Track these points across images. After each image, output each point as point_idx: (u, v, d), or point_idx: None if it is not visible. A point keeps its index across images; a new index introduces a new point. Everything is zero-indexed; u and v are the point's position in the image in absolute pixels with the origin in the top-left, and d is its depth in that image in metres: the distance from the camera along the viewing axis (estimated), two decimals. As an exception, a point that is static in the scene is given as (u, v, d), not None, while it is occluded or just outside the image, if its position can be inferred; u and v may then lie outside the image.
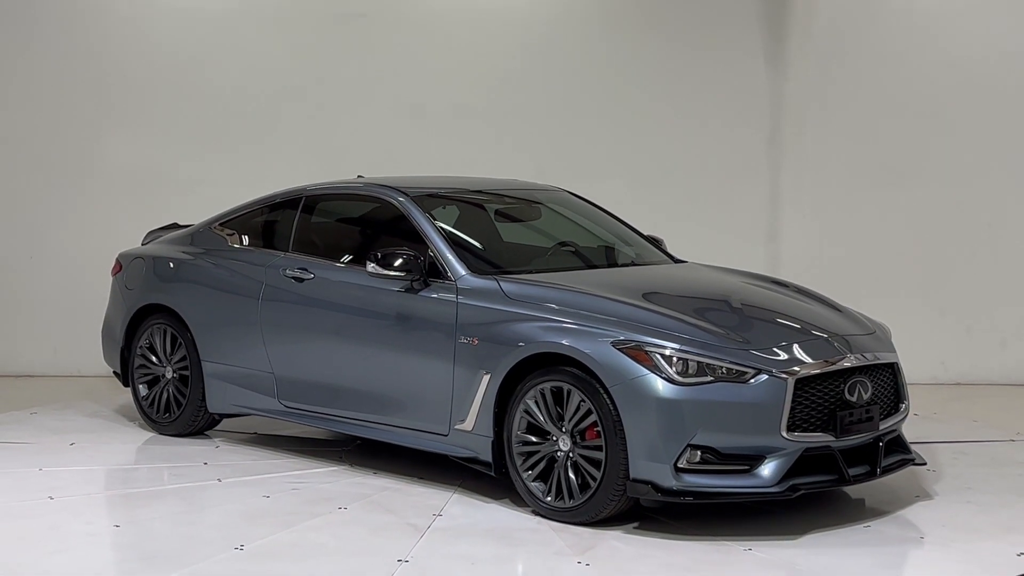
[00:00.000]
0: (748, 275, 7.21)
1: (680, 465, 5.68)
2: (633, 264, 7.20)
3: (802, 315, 6.40)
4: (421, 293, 6.53)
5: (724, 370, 5.74)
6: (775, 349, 5.90)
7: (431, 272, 6.55)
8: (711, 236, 9.82)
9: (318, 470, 6.90)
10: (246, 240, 7.54)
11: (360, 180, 7.46)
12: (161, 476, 6.80)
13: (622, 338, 5.84)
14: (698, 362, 5.74)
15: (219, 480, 6.67)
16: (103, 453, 7.29)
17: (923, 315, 9.90)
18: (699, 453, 5.70)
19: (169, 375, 7.65)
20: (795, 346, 5.98)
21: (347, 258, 7.01)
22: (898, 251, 10.00)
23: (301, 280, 7.07)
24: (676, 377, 5.71)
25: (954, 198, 9.95)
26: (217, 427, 7.73)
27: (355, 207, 7.43)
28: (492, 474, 6.24)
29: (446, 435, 6.41)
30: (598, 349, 5.86)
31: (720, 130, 10.07)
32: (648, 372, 5.73)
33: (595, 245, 7.39)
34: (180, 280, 7.64)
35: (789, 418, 5.73)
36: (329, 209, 7.49)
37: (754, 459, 5.74)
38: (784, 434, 5.71)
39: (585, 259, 7.23)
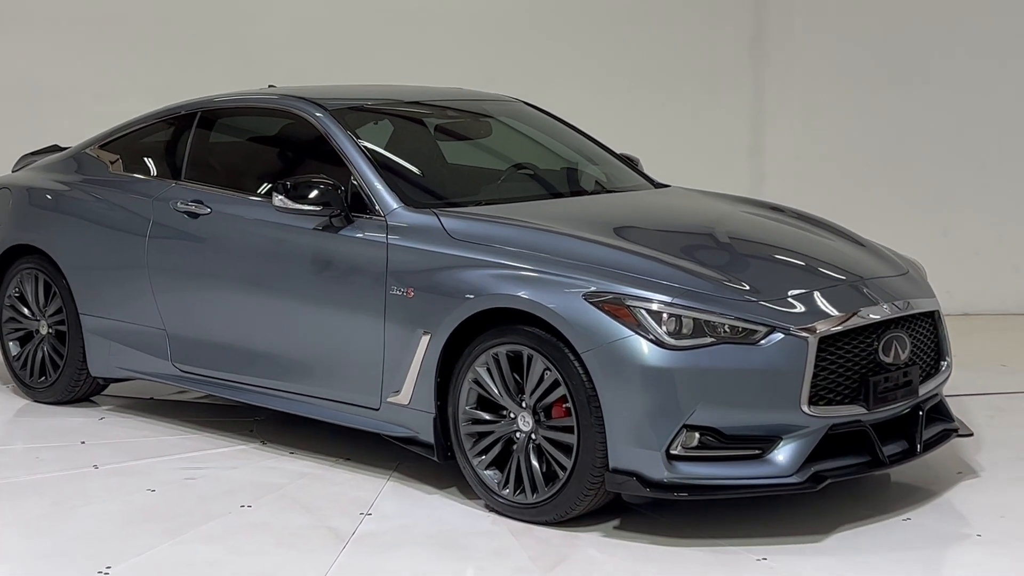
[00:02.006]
0: (748, 202, 5.92)
1: (673, 451, 4.45)
2: (605, 191, 5.90)
3: (821, 254, 5.14)
4: (342, 232, 5.21)
5: (728, 328, 4.48)
6: (790, 299, 4.65)
7: (355, 205, 5.23)
8: (685, 151, 8.76)
9: (222, 449, 5.61)
10: (131, 166, 6.16)
11: (271, 91, 6.07)
12: (26, 461, 5.48)
13: (596, 289, 4.57)
14: (695, 319, 4.48)
15: (96, 467, 5.36)
16: (-40, 431, 5.98)
17: (926, 237, 8.77)
18: (697, 436, 4.47)
19: (43, 331, 6.31)
20: (815, 294, 4.73)
21: (253, 188, 5.65)
22: (898, 166, 8.94)
23: (195, 215, 5.71)
24: (667, 339, 4.45)
25: (962, 106, 8.90)
26: (106, 391, 6.41)
27: (263, 124, 6.05)
28: (435, 459, 4.98)
29: (377, 409, 5.13)
30: (566, 303, 4.58)
31: (697, 29, 8.93)
32: (631, 333, 4.46)
33: (558, 168, 6.08)
34: (53, 215, 6.26)
35: (811, 387, 4.49)
36: (231, 126, 6.11)
37: (767, 441, 4.51)
38: (805, 408, 4.48)
39: (547, 186, 5.93)
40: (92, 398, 6.38)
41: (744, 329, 4.49)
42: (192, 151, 5.93)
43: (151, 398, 6.45)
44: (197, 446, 5.65)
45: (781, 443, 4.51)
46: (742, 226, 5.43)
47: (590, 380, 4.51)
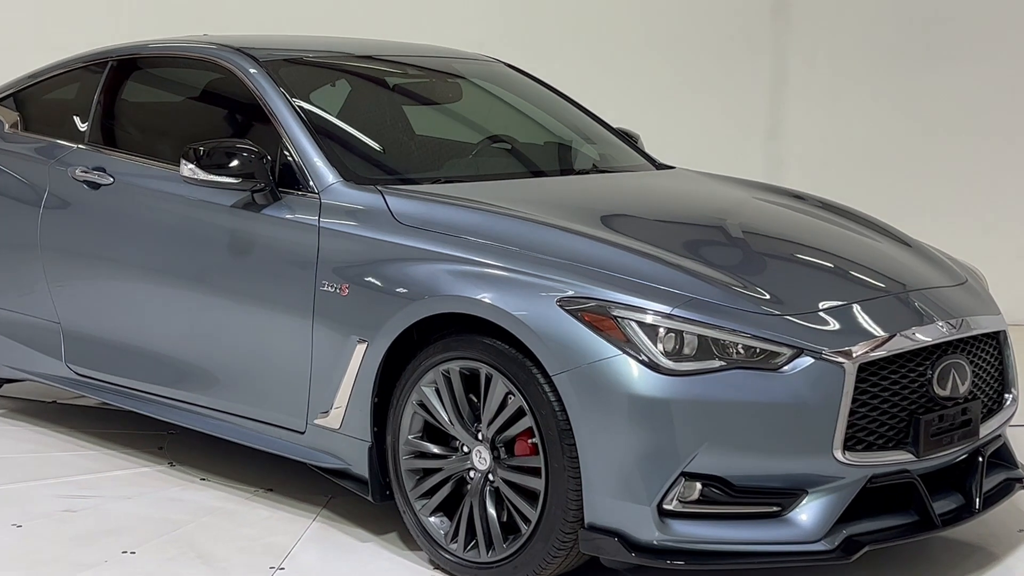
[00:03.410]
0: (765, 189, 4.90)
1: (667, 506, 3.45)
2: (597, 170, 4.87)
3: (859, 256, 4.13)
4: (266, 211, 4.20)
5: (742, 349, 3.48)
6: (822, 314, 3.64)
7: (285, 180, 4.22)
8: (692, 130, 7.77)
9: (119, 472, 4.61)
10: (32, 124, 5.15)
11: (197, 38, 5.05)
12: None
13: (574, 293, 3.56)
14: (700, 336, 3.47)
15: (-43, 492, 4.38)
16: None
17: (964, 235, 7.71)
18: (699, 487, 3.47)
19: (-74, 319, 5.30)
20: (854, 308, 3.71)
21: (166, 155, 4.64)
22: (934, 155, 7.94)
23: (96, 186, 4.70)
24: (663, 360, 3.44)
25: (1009, 89, 7.83)
26: (0, 392, 5.41)
27: (184, 77, 5.03)
28: (370, 499, 3.98)
29: (302, 432, 4.13)
30: (535, 310, 3.57)
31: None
32: (617, 351, 3.45)
33: (541, 142, 5.06)
34: (-63, 182, 5.25)
35: (847, 428, 3.49)
36: (147, 79, 5.09)
37: (788, 496, 3.51)
38: (838, 454, 3.48)
39: (526, 163, 4.90)
40: (-16, 399, 5.40)
41: (763, 351, 3.48)
42: (99, 108, 4.92)
43: (54, 401, 5.45)
44: (90, 467, 4.65)
45: (806, 499, 3.51)
46: (760, 218, 4.42)
47: (563, 410, 3.51)
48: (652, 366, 3.44)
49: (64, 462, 4.69)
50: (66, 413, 5.30)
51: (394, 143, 4.79)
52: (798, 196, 4.84)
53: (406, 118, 4.98)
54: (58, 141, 4.95)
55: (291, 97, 4.41)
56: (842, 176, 7.77)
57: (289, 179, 4.22)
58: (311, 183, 4.17)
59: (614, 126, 5.29)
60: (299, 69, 4.69)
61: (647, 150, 5.26)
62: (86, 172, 4.72)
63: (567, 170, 4.87)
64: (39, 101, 5.22)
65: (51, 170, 4.85)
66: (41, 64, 5.35)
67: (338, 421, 4.00)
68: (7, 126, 5.17)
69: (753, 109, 7.97)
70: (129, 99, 5.01)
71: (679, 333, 3.48)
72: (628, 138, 5.26)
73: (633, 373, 3.44)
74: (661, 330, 3.47)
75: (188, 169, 4.18)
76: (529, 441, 3.63)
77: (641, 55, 7.84)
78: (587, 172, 4.84)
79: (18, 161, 5.00)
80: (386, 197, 4.07)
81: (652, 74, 7.84)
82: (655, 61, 7.85)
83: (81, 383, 4.79)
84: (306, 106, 4.43)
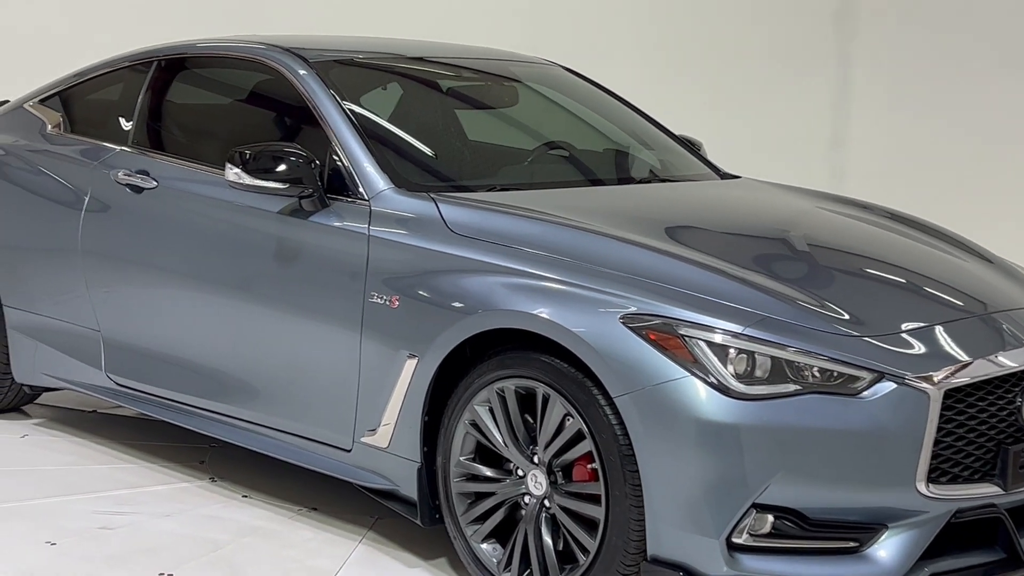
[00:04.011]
0: (836, 200, 4.67)
1: (737, 539, 3.22)
2: (658, 179, 4.65)
3: (940, 273, 3.89)
4: (314, 218, 4.02)
5: (819, 372, 3.25)
6: (905, 336, 3.40)
7: (334, 185, 4.03)
8: (753, 139, 7.52)
9: (158, 487, 4.44)
10: (75, 125, 5.00)
11: (246, 38, 4.87)
12: (-90, 492, 4.34)
13: (638, 309, 3.35)
14: (773, 357, 3.25)
15: (-5, 504, 4.22)
16: None
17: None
18: (771, 519, 3.24)
19: (-36, 324, 5.16)
20: (938, 330, 3.47)
21: (211, 158, 4.47)
22: (1006, 166, 7.63)
23: (139, 190, 4.54)
24: (734, 383, 3.22)
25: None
26: (42, 399, 5.26)
27: (232, 78, 4.86)
28: (419, 522, 3.78)
29: (348, 450, 3.94)
30: (597, 327, 3.36)
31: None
32: (684, 373, 3.24)
33: (600, 149, 4.85)
34: (-23, 184, 5.11)
35: (931, 458, 3.25)
36: (193, 80, 4.92)
37: (866, 531, 3.27)
38: (921, 487, 3.24)
39: (584, 170, 4.69)
40: (23, 407, 5.23)
41: (841, 374, 3.25)
42: (143, 109, 4.75)
43: (94, 411, 5.29)
44: (129, 480, 4.48)
45: (886, 534, 3.27)
46: (833, 232, 4.18)
47: (626, 434, 3.29)
48: (722, 389, 3.22)
49: (102, 475, 4.52)
50: (106, 423, 5.14)
51: (447, 149, 4.59)
52: (867, 207, 4.60)
53: (459, 123, 4.79)
54: (101, 143, 4.79)
55: (341, 100, 4.23)
56: (907, 186, 7.53)
57: (338, 185, 4.04)
58: (361, 189, 3.99)
59: (676, 133, 5.07)
60: (349, 71, 4.51)
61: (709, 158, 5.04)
62: (129, 175, 4.56)
63: (627, 179, 4.65)
64: (82, 101, 5.07)
65: (94, 173, 4.69)
66: (84, 64, 5.22)
67: (386, 440, 3.81)
68: (49, 126, 5.03)
69: (816, 117, 7.75)
70: (174, 100, 4.85)
71: (751, 354, 3.26)
72: (691, 146, 5.04)
73: (701, 396, 3.22)
74: (732, 351, 3.25)
75: (233, 173, 4.00)
76: (589, 466, 3.41)
77: (700, 62, 7.65)
78: (648, 181, 4.62)
79: (60, 163, 4.85)
80: (439, 205, 3.87)
81: (712, 81, 7.65)
82: (715, 68, 7.65)
83: (121, 393, 4.62)
84: (356, 109, 4.24)
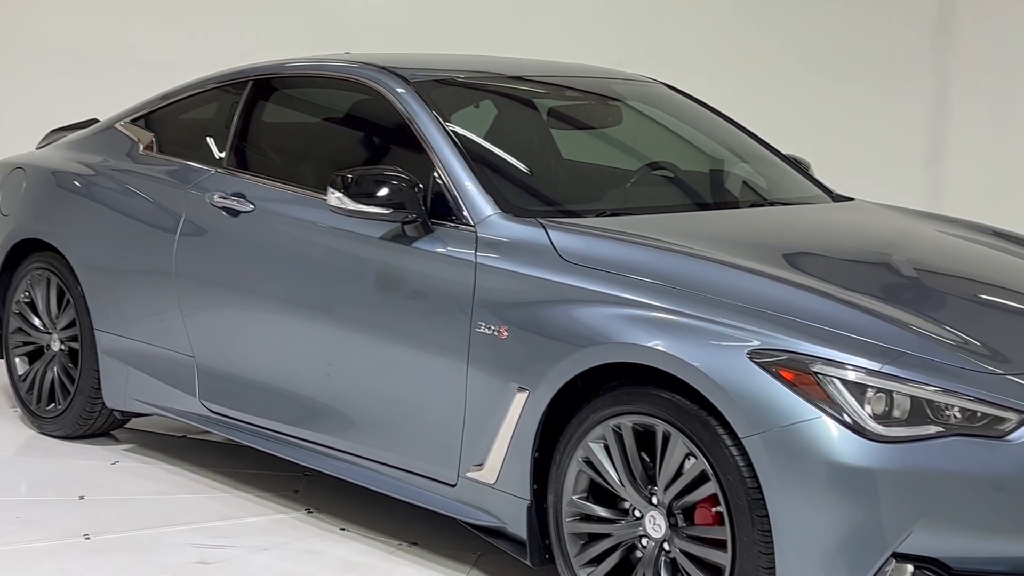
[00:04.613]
0: (959, 224, 4.46)
1: (875, 590, 3.04)
2: (767, 202, 4.47)
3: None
4: (418, 244, 3.88)
5: (960, 412, 3.06)
6: (1052, 373, 3.20)
7: (437, 210, 3.90)
8: (844, 155, 7.29)
9: (254, 519, 4.32)
10: (168, 146, 4.91)
11: (342, 58, 4.76)
12: (2, 521, 4.24)
13: (765, 344, 3.17)
14: (913, 396, 3.06)
15: (87, 537, 4.11)
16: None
17: None
18: (911, 569, 3.06)
19: (55, 347, 5.09)
20: (1086, 367, 3.27)
21: (309, 181, 4.36)
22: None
23: (235, 213, 4.43)
24: (871, 424, 3.05)
25: None
26: (130, 423, 5.17)
27: (328, 99, 4.75)
28: (528, 563, 3.63)
29: (453, 485, 3.80)
30: (721, 362, 3.20)
31: (866, 11, 7.38)
32: (818, 413, 3.06)
33: (706, 170, 4.68)
34: (70, 205, 5.04)
35: (1083, 506, 3.06)
36: (288, 100, 4.82)
37: (1013, 582, 3.08)
38: (1073, 536, 3.04)
39: (690, 193, 4.53)
40: (112, 431, 5.15)
41: (986, 415, 3.06)
42: (238, 130, 4.65)
43: (183, 436, 5.19)
44: (224, 512, 4.36)
45: (1034, 586, 3.08)
46: (964, 260, 3.98)
47: (754, 477, 3.13)
48: (858, 431, 3.04)
49: (196, 506, 4.41)
50: (196, 449, 5.04)
51: (549, 171, 4.46)
52: (999, 233, 4.39)
53: (554, 143, 4.64)
54: (195, 164, 4.69)
55: (444, 121, 4.09)
56: (1008, 205, 7.27)
57: (441, 209, 3.90)
58: (466, 214, 3.85)
59: (783, 152, 4.89)
60: (451, 90, 4.38)
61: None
62: (225, 198, 4.46)
63: (736, 201, 4.47)
64: (174, 122, 4.98)
65: (187, 195, 4.60)
66: (169, 85, 5.14)
67: (494, 475, 3.66)
68: (141, 147, 4.94)
69: (910, 134, 7.53)
70: (269, 121, 4.74)
71: (889, 393, 3.08)
72: (798, 165, 4.86)
73: (837, 438, 3.04)
74: (869, 390, 3.07)
75: (335, 198, 3.88)
76: (713, 509, 3.25)
77: (792, 76, 7.46)
78: (759, 204, 4.43)
79: (152, 184, 4.76)
80: (549, 231, 3.72)
81: (804, 95, 7.45)
82: (806, 82, 7.46)
83: (215, 421, 4.52)
84: (458, 130, 4.11)
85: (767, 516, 3.11)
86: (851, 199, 4.61)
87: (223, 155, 4.63)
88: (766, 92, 7.39)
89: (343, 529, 4.22)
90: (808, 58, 7.43)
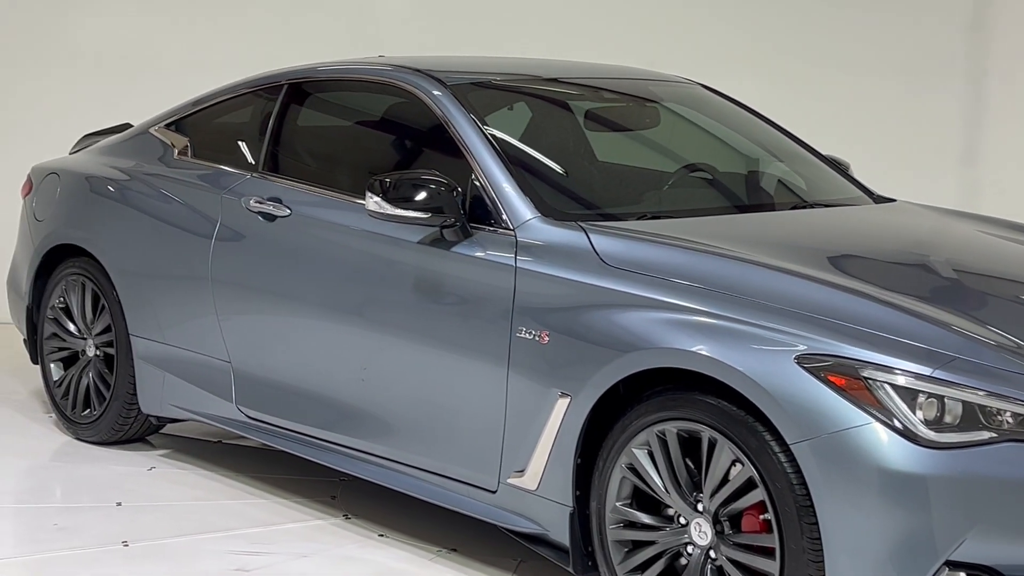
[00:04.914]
0: (1004, 226, 4.40)
1: (927, 599, 2.99)
2: (808, 204, 4.41)
3: None
4: (456, 248, 3.85)
5: (1011, 418, 3.00)
6: (1106, 377, 3.14)
7: (475, 214, 3.86)
8: (877, 155, 7.16)
9: (292, 525, 4.30)
10: (202, 151, 4.89)
11: (377, 61, 4.74)
12: (40, 530, 4.23)
13: (813, 348, 3.13)
14: (965, 402, 3.01)
15: (125, 544, 4.09)
16: (-25, 476, 4.77)
17: None
18: (964, 577, 3.01)
19: (90, 353, 5.08)
20: None
21: (346, 185, 4.33)
22: None
23: (272, 218, 4.41)
24: (923, 430, 3.00)
25: None
26: (165, 428, 5.16)
27: (363, 102, 4.72)
28: (571, 570, 3.59)
29: (494, 492, 3.76)
30: (769, 367, 3.15)
31: (901, 9, 7.29)
32: (868, 419, 3.02)
33: (745, 171, 4.63)
34: (104, 210, 5.03)
35: None
36: (324, 104, 4.79)
37: (1069, 591, 3.03)
38: None
39: (729, 195, 4.48)
40: (148, 437, 5.14)
41: (1039, 420, 3.01)
42: (274, 134, 4.63)
43: (219, 441, 5.18)
44: (260, 518, 4.34)
45: (1091, 595, 3.03)
46: (1011, 262, 3.92)
47: (803, 484, 3.08)
48: (909, 437, 3.00)
49: (233, 512, 4.39)
50: (232, 453, 5.03)
51: (586, 174, 4.42)
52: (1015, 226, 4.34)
53: (589, 145, 4.60)
54: (230, 169, 4.67)
55: (481, 124, 4.06)
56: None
57: (480, 213, 3.87)
58: (505, 218, 3.81)
59: (823, 153, 4.83)
60: (488, 93, 4.35)
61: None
62: (261, 203, 4.43)
63: (776, 203, 4.42)
64: (208, 126, 4.96)
65: (223, 199, 4.58)
66: (202, 90, 5.12)
67: (535, 482, 3.63)
68: (176, 152, 4.93)
69: (945, 133, 7.43)
70: (305, 125, 4.72)
71: (940, 399, 3.03)
72: (838, 166, 4.80)
73: (888, 444, 3.00)
74: (920, 395, 3.03)
75: (374, 202, 3.85)
76: (760, 517, 3.20)
77: (822, 74, 7.36)
78: (800, 206, 4.38)
79: (187, 189, 4.74)
80: (590, 235, 3.68)
81: (835, 94, 7.35)
82: (838, 81, 7.35)
83: (252, 427, 4.50)
84: (496, 133, 4.07)
85: (816, 523, 3.06)
86: (892, 200, 4.56)
87: (258, 159, 4.61)
88: (797, 91, 7.30)
89: (381, 535, 4.20)
90: (838, 59, 7.34)
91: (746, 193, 4.50)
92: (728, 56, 7.28)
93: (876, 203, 4.52)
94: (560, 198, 4.02)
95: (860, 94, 7.35)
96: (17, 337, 5.54)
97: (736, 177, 4.58)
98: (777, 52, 7.38)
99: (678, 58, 7.10)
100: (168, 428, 5.15)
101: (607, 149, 4.66)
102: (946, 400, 3.03)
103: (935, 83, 7.33)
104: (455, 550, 4.08)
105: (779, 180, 4.60)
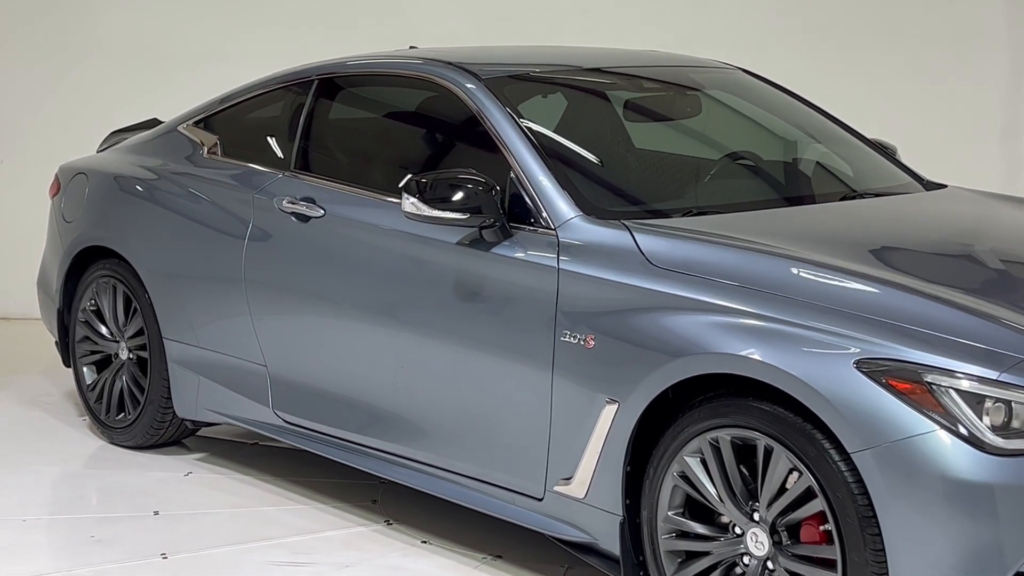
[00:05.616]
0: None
1: (997, 614, 2.88)
2: (858, 194, 4.26)
3: None
4: (496, 249, 3.73)
5: (1083, 423, 2.89)
6: None
7: (515, 213, 3.75)
8: (917, 131, 6.95)
9: (333, 532, 4.21)
10: (232, 149, 4.79)
11: (408, 53, 4.62)
12: (75, 541, 4.16)
13: (872, 352, 3.01)
14: (1034, 408, 2.89)
15: (164, 556, 4.01)
16: (6, 483, 4.68)
17: None
18: (1035, 590, 2.89)
19: (123, 356, 5.00)
20: None
21: (381, 184, 4.22)
22: None
23: (305, 218, 4.30)
24: (989, 437, 2.88)
25: None
26: (200, 431, 5.08)
27: (396, 97, 4.60)
28: (620, 580, 3.50)
29: (540, 499, 3.66)
30: (827, 372, 3.03)
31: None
32: (932, 426, 2.90)
33: (791, 160, 4.49)
34: (134, 211, 4.94)
35: None
36: (356, 100, 4.68)
37: None
38: None
39: (776, 185, 4.34)
40: (183, 440, 5.06)
41: (1114, 426, 2.88)
42: (305, 132, 4.52)
43: (255, 444, 5.09)
44: (301, 525, 4.26)
45: None
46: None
47: (865, 494, 2.97)
48: (976, 443, 2.88)
49: (273, 519, 4.31)
50: (268, 456, 4.94)
51: (627, 168, 4.29)
52: None
53: (628, 136, 4.47)
54: (261, 167, 4.57)
55: (519, 119, 3.94)
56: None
57: (519, 212, 3.75)
58: (545, 217, 3.70)
59: (869, 137, 4.68)
60: (524, 86, 4.23)
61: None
62: (294, 203, 4.33)
63: (824, 194, 4.25)
64: (237, 124, 4.86)
65: (255, 199, 4.47)
66: (230, 85, 5.02)
67: (583, 490, 3.52)
68: (205, 150, 4.82)
69: (985, 106, 7.25)
70: (337, 121, 4.61)
71: (1008, 404, 2.91)
72: (885, 151, 4.65)
73: (953, 452, 2.88)
74: (987, 400, 2.90)
75: (410, 203, 3.73)
76: (820, 527, 3.09)
77: (860, 48, 7.18)
78: (850, 196, 4.22)
79: (218, 189, 4.64)
80: (634, 234, 3.56)
81: (872, 69, 7.17)
82: (876, 54, 7.18)
83: (289, 431, 4.41)
84: (534, 126, 3.95)
85: (880, 535, 2.95)
86: (943, 186, 4.41)
87: (289, 157, 4.50)
88: (833, 66, 7.13)
89: (424, 542, 4.10)
90: (876, 32, 7.16)
91: (793, 182, 4.36)
92: (762, 34, 7.12)
93: (927, 190, 4.37)
94: (602, 194, 3.90)
95: (898, 69, 7.17)
96: (47, 335, 5.48)
97: (782, 166, 4.45)
98: (807, 25, 7.21)
99: (712, 37, 6.96)
100: (202, 430, 5.07)
101: (647, 140, 4.53)
102: (1013, 405, 2.90)
103: (976, 57, 7.16)
104: (500, 556, 3.99)
105: (826, 168, 4.45)
